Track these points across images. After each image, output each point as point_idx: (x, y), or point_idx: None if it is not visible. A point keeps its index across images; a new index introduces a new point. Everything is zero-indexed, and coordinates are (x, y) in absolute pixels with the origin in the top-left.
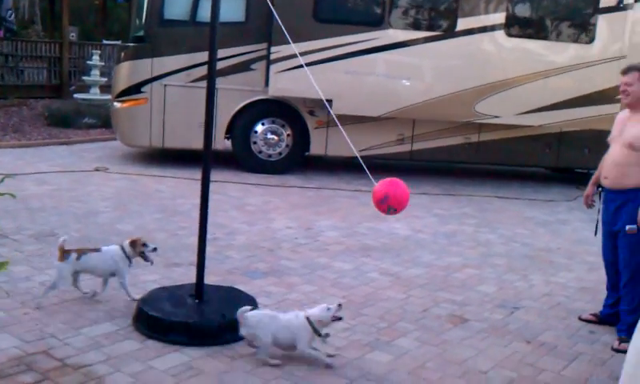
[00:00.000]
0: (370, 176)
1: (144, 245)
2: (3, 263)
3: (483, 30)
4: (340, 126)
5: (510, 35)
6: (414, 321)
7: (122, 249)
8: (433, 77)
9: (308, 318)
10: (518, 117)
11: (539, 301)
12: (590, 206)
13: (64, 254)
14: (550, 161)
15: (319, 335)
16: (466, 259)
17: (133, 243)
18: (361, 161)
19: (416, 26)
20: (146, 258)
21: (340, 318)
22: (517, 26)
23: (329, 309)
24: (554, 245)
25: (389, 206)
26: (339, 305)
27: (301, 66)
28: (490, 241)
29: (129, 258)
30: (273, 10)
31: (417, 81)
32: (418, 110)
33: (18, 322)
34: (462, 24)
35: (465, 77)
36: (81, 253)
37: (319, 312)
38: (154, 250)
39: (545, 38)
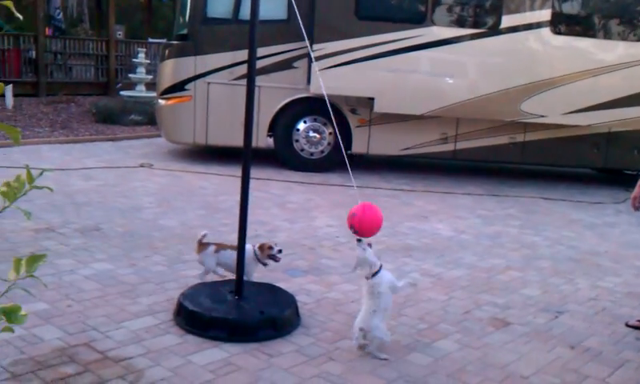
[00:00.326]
0: (352, 178)
1: (270, 247)
2: (41, 256)
3: (529, 27)
4: (335, 128)
5: (556, 33)
6: (455, 323)
7: (254, 250)
8: (477, 75)
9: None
10: (565, 116)
11: (584, 305)
12: (637, 208)
13: (201, 245)
14: (598, 162)
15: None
16: (510, 261)
17: (261, 248)
18: (347, 162)
19: (460, 23)
20: (275, 259)
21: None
22: (563, 24)
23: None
24: (601, 248)
25: (352, 224)
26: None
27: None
28: (535, 243)
29: (259, 259)
30: (295, 7)
31: (461, 79)
32: (462, 108)
33: (61, 314)
34: (507, 21)
35: (510, 75)
36: (219, 247)
37: (392, 283)
38: (280, 251)
39: (592, 35)
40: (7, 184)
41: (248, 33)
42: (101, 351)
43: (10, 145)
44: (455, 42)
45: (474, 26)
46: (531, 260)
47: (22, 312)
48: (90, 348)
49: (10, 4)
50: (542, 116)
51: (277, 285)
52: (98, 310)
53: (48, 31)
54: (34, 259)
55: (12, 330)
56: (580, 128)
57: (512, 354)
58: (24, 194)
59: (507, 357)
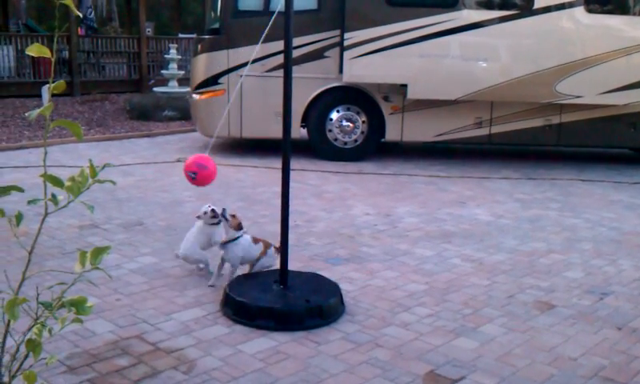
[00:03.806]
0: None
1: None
2: (105, 248)
3: (562, 7)
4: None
5: (590, 11)
6: (499, 307)
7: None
8: (511, 57)
9: None
10: (602, 96)
11: (629, 286)
12: None
13: None
14: (635, 141)
15: None
16: (551, 244)
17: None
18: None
19: (492, 5)
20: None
21: None
22: (597, 2)
23: None
24: None
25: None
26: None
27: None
28: (576, 225)
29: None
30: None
31: (494, 62)
32: (496, 91)
33: (111, 307)
34: (540, 1)
35: (544, 56)
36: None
37: None
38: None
39: (627, 12)
40: (72, 179)
41: (280, 24)
42: (152, 343)
43: (51, 144)
44: (488, 25)
45: (507, 7)
46: (573, 242)
47: (89, 303)
48: (142, 340)
49: (70, 2)
50: (578, 96)
51: (319, 273)
52: (147, 303)
53: (80, 31)
54: (99, 251)
55: (81, 322)
56: (616, 108)
57: (559, 336)
58: (87, 189)
59: (554, 339)
